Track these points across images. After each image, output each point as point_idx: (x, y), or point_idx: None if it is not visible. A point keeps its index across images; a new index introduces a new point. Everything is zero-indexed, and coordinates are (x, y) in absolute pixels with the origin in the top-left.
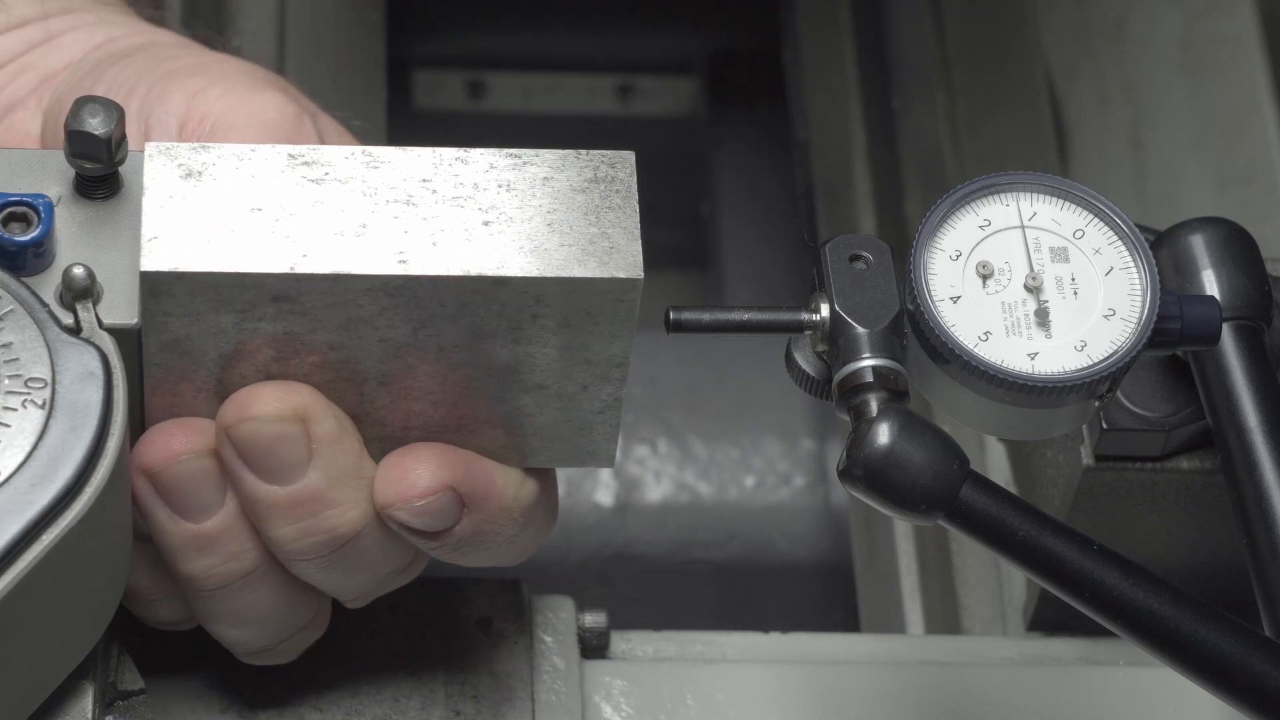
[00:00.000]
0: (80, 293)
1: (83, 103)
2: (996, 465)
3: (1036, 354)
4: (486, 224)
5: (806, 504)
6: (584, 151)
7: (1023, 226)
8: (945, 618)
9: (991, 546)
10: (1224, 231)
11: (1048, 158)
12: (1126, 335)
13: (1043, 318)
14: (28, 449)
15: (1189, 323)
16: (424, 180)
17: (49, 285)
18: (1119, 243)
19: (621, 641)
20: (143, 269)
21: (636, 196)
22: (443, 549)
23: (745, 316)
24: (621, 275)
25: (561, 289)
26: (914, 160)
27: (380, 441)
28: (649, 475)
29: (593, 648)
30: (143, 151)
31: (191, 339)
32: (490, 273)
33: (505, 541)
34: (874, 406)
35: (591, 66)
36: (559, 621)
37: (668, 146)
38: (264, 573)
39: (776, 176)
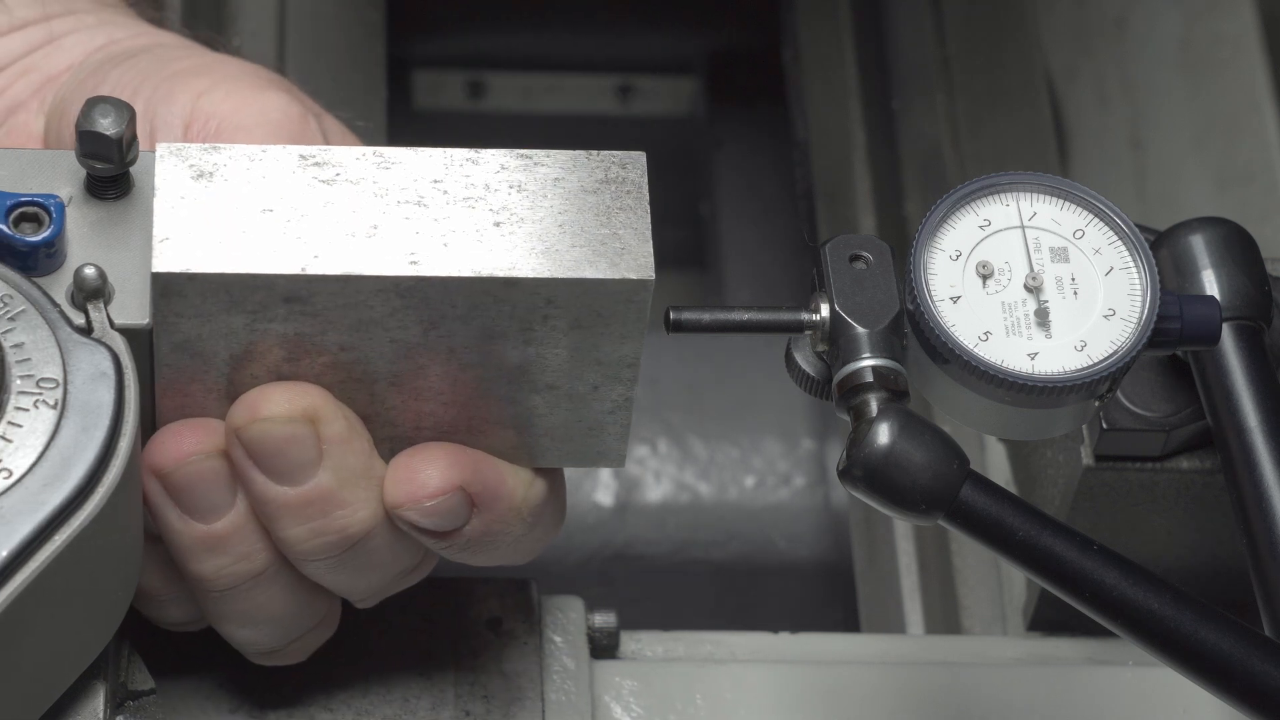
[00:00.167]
0: (92, 293)
1: (94, 103)
2: (996, 465)
3: (1036, 354)
4: (497, 225)
5: (806, 504)
6: (595, 152)
7: (1023, 226)
8: (945, 618)
9: (991, 546)
10: (1224, 231)
11: (1048, 158)
12: (1126, 335)
13: (1043, 318)
14: (40, 449)
15: (1189, 323)
16: (435, 181)
17: (60, 285)
18: (1119, 243)
19: (631, 641)
20: (154, 270)
21: (648, 197)
22: (452, 549)
23: (745, 316)
24: (633, 276)
25: (572, 290)
26: (914, 160)
27: (391, 442)
28: (649, 475)
29: (602, 648)
30: (153, 152)
31: (203, 340)
32: (501, 274)
33: (514, 541)
34: (874, 406)
35: (591, 66)
36: (569, 621)
37: (668, 146)
38: (274, 573)
39: (776, 176)
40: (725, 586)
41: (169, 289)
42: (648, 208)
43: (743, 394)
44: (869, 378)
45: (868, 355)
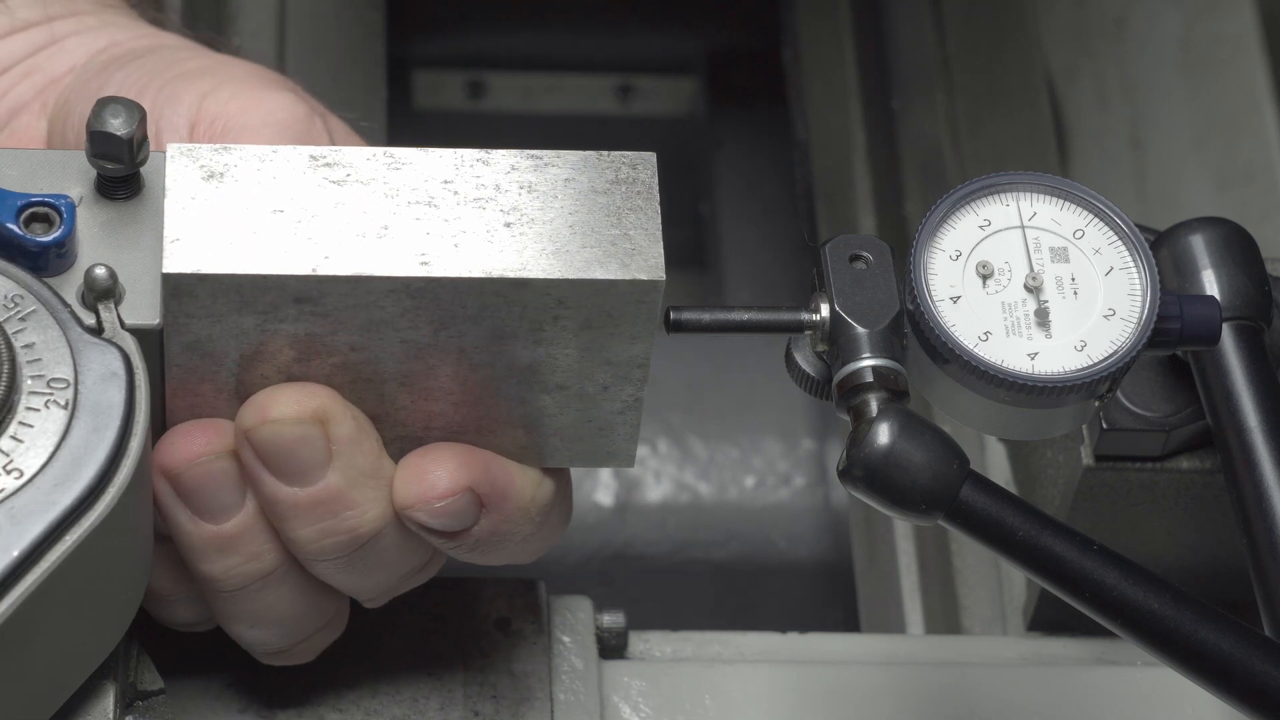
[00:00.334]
0: (102, 293)
1: (104, 103)
2: (996, 465)
3: (1036, 354)
4: (508, 225)
5: (806, 504)
6: (605, 153)
7: (1023, 226)
8: (945, 618)
9: (991, 546)
10: (1224, 231)
11: (1048, 158)
12: (1126, 335)
13: (1043, 318)
14: (50, 449)
15: (1189, 323)
16: (445, 181)
17: (71, 286)
18: (1119, 243)
19: (639, 642)
20: (165, 271)
21: (658, 198)
22: (460, 549)
23: (745, 316)
24: (643, 277)
25: (583, 291)
26: (914, 160)
27: (400, 442)
28: (649, 475)
29: (611, 648)
30: (163, 152)
31: (213, 340)
32: (512, 274)
33: (522, 540)
34: (874, 406)
35: (591, 66)
36: (577, 622)
37: (668, 146)
38: (283, 573)
39: (776, 176)
40: (725, 586)
41: (180, 289)
42: (658, 208)
43: (743, 394)
44: (869, 378)
45: (868, 355)
